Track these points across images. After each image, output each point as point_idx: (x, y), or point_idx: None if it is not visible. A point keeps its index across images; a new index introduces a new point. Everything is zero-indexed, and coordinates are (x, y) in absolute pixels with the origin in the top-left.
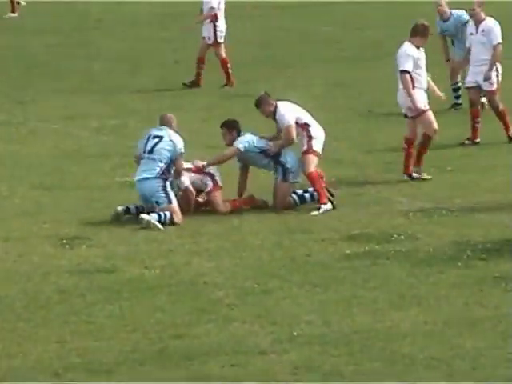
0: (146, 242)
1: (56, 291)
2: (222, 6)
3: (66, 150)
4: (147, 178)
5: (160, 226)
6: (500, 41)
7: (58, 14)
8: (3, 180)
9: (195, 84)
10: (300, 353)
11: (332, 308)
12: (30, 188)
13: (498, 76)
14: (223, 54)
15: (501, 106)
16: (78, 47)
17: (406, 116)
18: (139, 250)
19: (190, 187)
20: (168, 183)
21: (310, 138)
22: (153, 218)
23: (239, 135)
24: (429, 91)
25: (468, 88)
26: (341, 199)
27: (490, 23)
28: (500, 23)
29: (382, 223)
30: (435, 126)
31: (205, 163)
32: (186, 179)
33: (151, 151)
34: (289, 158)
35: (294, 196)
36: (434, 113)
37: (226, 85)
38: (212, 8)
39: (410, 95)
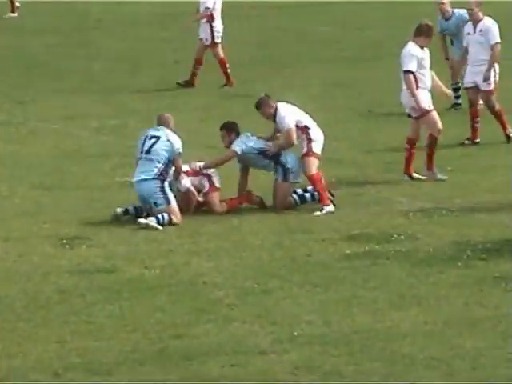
0: (146, 242)
1: (56, 291)
2: (219, 7)
3: (65, 150)
4: (145, 180)
5: (159, 226)
6: (498, 40)
7: (58, 14)
8: (3, 180)
9: (189, 84)
10: (300, 353)
11: (332, 308)
12: (29, 188)
13: (495, 76)
14: (221, 54)
15: (497, 106)
16: (78, 47)
17: (409, 116)
18: (139, 250)
19: (192, 189)
20: (166, 184)
21: (309, 140)
22: (151, 220)
23: (238, 137)
24: (434, 89)
25: (466, 88)
26: (341, 199)
27: (488, 23)
28: (498, 23)
29: (382, 223)
30: (440, 125)
31: (202, 164)
32: (187, 181)
33: (148, 151)
34: (289, 159)
35: (294, 196)
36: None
37: (225, 85)
38: (207, 8)
39: (413, 95)
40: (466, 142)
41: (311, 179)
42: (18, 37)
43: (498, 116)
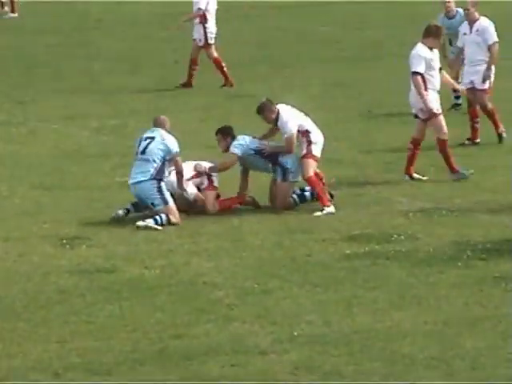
0: (146, 242)
1: (56, 291)
2: (213, 8)
3: (65, 150)
4: (142, 181)
5: (158, 227)
6: (496, 40)
7: (58, 14)
8: (3, 180)
9: (188, 85)
10: (300, 353)
11: (332, 308)
12: (30, 188)
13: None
14: (215, 54)
15: (489, 106)
16: (78, 47)
17: (416, 116)
18: (139, 250)
19: (200, 195)
20: (163, 184)
21: (309, 142)
22: (149, 222)
23: (234, 140)
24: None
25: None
26: (341, 199)
27: (485, 23)
28: (495, 23)
29: (382, 223)
30: (445, 129)
31: (208, 167)
32: (192, 188)
33: (143, 152)
34: (288, 159)
35: (293, 196)
36: None
37: (224, 85)
38: (199, 9)
39: (421, 97)
40: (467, 142)
41: (309, 181)
42: (18, 37)
43: (490, 115)
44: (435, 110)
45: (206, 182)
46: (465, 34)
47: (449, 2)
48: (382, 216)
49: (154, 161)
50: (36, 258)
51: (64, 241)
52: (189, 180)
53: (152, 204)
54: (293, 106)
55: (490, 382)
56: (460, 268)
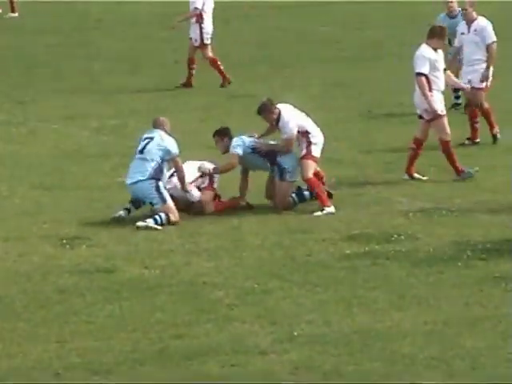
0: (146, 242)
1: (56, 291)
2: (209, 8)
3: (65, 150)
4: (140, 181)
5: (158, 227)
6: (494, 39)
7: (58, 14)
8: (3, 180)
9: (187, 85)
10: (300, 353)
11: (332, 308)
12: (30, 188)
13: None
14: (210, 54)
15: (485, 105)
16: (78, 47)
17: (420, 117)
18: (139, 250)
19: (207, 200)
20: (161, 183)
21: (309, 143)
22: (149, 222)
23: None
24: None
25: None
26: (341, 199)
27: (482, 22)
28: (493, 23)
29: (382, 223)
30: (448, 130)
31: (211, 168)
32: (196, 191)
33: (142, 151)
34: (286, 159)
35: (292, 195)
36: None
37: (222, 85)
38: (196, 8)
39: (426, 98)
40: (467, 142)
41: (308, 183)
42: (18, 37)
43: (485, 115)
44: (439, 111)
45: (206, 182)
46: (463, 33)
47: (451, 1)
48: (381, 216)
49: (152, 160)
50: (36, 258)
51: (64, 241)
52: (193, 182)
53: (150, 203)
54: (293, 105)
55: (490, 381)
56: (460, 268)
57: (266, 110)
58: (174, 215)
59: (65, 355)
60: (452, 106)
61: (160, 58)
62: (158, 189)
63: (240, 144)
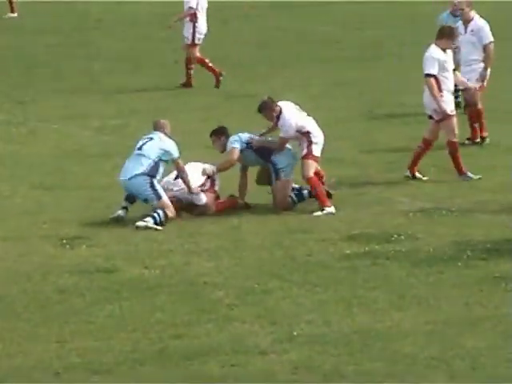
0: (146, 241)
1: (56, 291)
2: (203, 7)
3: (66, 149)
4: (134, 176)
5: (159, 227)
6: (492, 39)
7: (58, 14)
8: (4, 180)
9: (187, 85)
10: (300, 353)
11: (332, 308)
12: (30, 188)
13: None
14: (197, 54)
15: (479, 105)
16: (78, 47)
17: (430, 117)
18: (139, 249)
19: (209, 202)
20: (155, 181)
21: (310, 143)
22: (149, 222)
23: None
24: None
25: (461, 90)
26: (341, 199)
27: (480, 22)
28: (489, 22)
29: (382, 223)
30: (456, 131)
31: (214, 169)
32: (203, 195)
33: (140, 148)
34: (281, 158)
35: (291, 195)
36: None
37: (216, 85)
38: (190, 8)
39: (435, 98)
40: (467, 142)
41: (309, 182)
42: (18, 37)
43: (478, 115)
44: (449, 112)
45: (208, 185)
46: (460, 33)
47: (459, 1)
48: (382, 216)
49: (149, 157)
50: (36, 258)
51: (64, 241)
52: (201, 186)
53: (145, 200)
54: (295, 103)
55: (491, 381)
56: (460, 268)
57: (267, 108)
58: (171, 211)
59: (65, 355)
60: None
61: (160, 57)
62: (152, 185)
63: (237, 139)
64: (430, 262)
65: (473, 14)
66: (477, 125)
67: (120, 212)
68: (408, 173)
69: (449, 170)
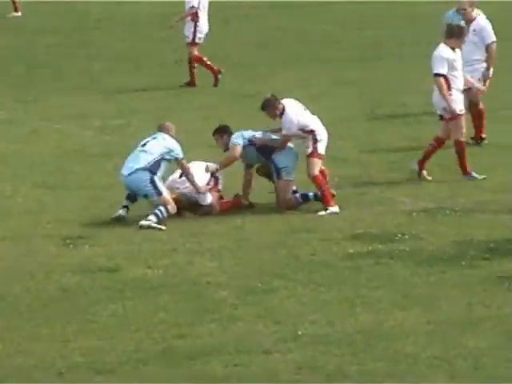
0: (149, 241)
1: (59, 290)
2: (205, 6)
3: (68, 149)
4: (134, 171)
5: (162, 227)
6: (494, 39)
7: (59, 14)
8: (6, 179)
9: (191, 84)
10: (304, 352)
11: (335, 307)
12: (32, 187)
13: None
14: (195, 52)
15: (480, 105)
16: (79, 47)
17: (441, 117)
18: (142, 249)
19: (214, 203)
20: (156, 177)
21: (315, 141)
22: (152, 221)
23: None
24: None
25: (464, 90)
26: (345, 199)
27: (482, 22)
28: (492, 22)
29: (385, 223)
30: (464, 130)
31: (217, 166)
32: (209, 195)
33: (144, 145)
34: (281, 157)
35: (296, 195)
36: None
37: (215, 84)
38: (192, 7)
39: (444, 98)
40: (470, 141)
41: (315, 180)
42: (18, 37)
43: (479, 115)
44: (458, 111)
45: (211, 184)
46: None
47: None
48: (385, 215)
49: (152, 154)
50: (39, 258)
51: (67, 240)
52: (206, 185)
53: (145, 196)
54: (298, 100)
55: (492, 381)
56: (463, 268)
57: (270, 106)
58: (172, 206)
59: (68, 354)
60: None
61: (160, 57)
62: (152, 181)
63: (239, 136)
64: (432, 262)
65: (475, 13)
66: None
67: (121, 211)
68: (415, 166)
69: (452, 170)
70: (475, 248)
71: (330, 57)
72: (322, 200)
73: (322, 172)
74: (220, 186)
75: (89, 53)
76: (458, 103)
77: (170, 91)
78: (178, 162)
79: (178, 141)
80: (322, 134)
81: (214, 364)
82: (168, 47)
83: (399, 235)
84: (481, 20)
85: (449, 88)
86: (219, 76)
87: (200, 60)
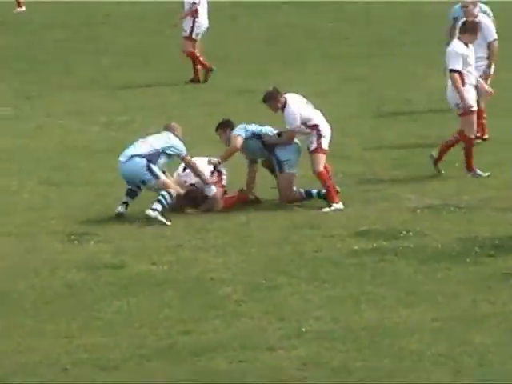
0: (154, 237)
1: (64, 286)
2: (204, 3)
3: (73, 145)
4: (130, 158)
5: (167, 222)
6: (496, 37)
7: (67, 10)
8: (12, 175)
9: (195, 80)
10: (308, 349)
11: (340, 304)
12: (38, 183)
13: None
14: (190, 48)
15: (482, 104)
16: (87, 42)
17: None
18: (147, 245)
19: (218, 195)
20: (153, 166)
21: (319, 136)
22: (158, 211)
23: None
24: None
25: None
26: (349, 195)
27: (484, 20)
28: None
29: (390, 220)
30: (475, 127)
31: (219, 160)
32: (213, 187)
33: (145, 136)
34: (283, 151)
35: (300, 190)
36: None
37: (205, 79)
38: (194, 3)
39: (460, 94)
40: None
41: (319, 176)
42: (26, 32)
43: (478, 114)
44: (471, 108)
45: (215, 178)
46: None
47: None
48: (390, 212)
49: (152, 146)
50: (44, 254)
51: (72, 236)
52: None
53: (142, 182)
54: (302, 95)
55: (498, 378)
56: (468, 264)
57: (272, 98)
58: (173, 187)
59: (73, 351)
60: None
61: (168, 53)
62: (149, 168)
63: (242, 128)
64: (437, 259)
65: (477, 11)
66: (485, 121)
67: (120, 208)
68: (434, 153)
69: (457, 167)
70: (480, 245)
71: (339, 53)
72: (327, 196)
73: (325, 168)
74: (224, 182)
75: (97, 48)
76: (472, 99)
77: (176, 87)
78: (182, 159)
79: (182, 141)
80: (326, 129)
81: (219, 360)
82: (176, 43)
83: (404, 232)
84: (483, 18)
85: (463, 84)
86: (210, 73)
87: (193, 56)
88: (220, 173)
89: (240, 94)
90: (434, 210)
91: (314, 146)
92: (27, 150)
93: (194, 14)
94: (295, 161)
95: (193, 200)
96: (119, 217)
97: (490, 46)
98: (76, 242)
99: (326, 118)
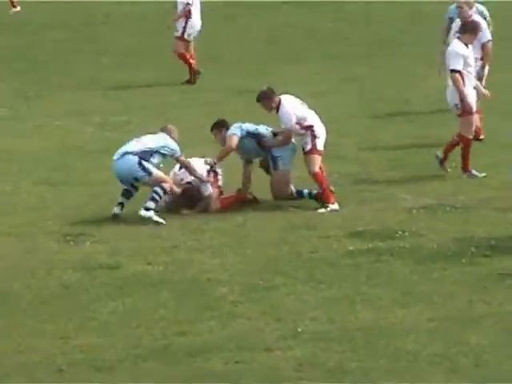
0: (150, 238)
1: (60, 287)
2: (197, 4)
3: (70, 145)
4: (122, 155)
5: (161, 220)
6: (490, 38)
7: (67, 9)
8: (9, 174)
9: (190, 81)
10: (304, 349)
11: (336, 305)
12: (35, 183)
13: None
14: (181, 50)
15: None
16: (87, 42)
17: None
18: (142, 246)
19: (214, 195)
20: (145, 162)
21: (314, 137)
22: (151, 209)
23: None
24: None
25: None
26: (344, 196)
27: (478, 20)
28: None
29: (385, 220)
30: (474, 128)
31: (215, 160)
32: (209, 186)
33: (139, 136)
34: (278, 148)
35: (292, 188)
36: (438, 110)
37: (193, 81)
38: (188, 4)
39: (461, 93)
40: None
41: (315, 177)
42: (26, 32)
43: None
44: (471, 109)
45: (211, 178)
46: (457, 32)
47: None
48: (385, 213)
49: (145, 145)
50: (40, 254)
51: (68, 237)
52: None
53: (135, 179)
54: (297, 96)
55: (493, 378)
56: (464, 265)
57: (266, 98)
58: (167, 181)
59: (68, 351)
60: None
61: (168, 53)
62: (141, 164)
63: (237, 126)
64: (433, 259)
65: (471, 12)
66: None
67: (115, 209)
68: (439, 153)
69: (452, 167)
70: (476, 245)
71: (339, 53)
72: (322, 197)
73: (320, 169)
74: (220, 182)
75: (97, 48)
76: (472, 100)
77: (176, 87)
78: (176, 160)
79: (177, 143)
80: (321, 130)
81: (215, 361)
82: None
83: (399, 232)
84: (476, 18)
85: (464, 84)
86: (197, 76)
87: (183, 57)
88: (216, 173)
89: (240, 94)
90: (430, 210)
91: (308, 147)
92: (24, 151)
93: (187, 14)
94: (290, 158)
95: (189, 198)
96: (115, 218)
97: (483, 46)
98: (72, 242)
99: (320, 119)
